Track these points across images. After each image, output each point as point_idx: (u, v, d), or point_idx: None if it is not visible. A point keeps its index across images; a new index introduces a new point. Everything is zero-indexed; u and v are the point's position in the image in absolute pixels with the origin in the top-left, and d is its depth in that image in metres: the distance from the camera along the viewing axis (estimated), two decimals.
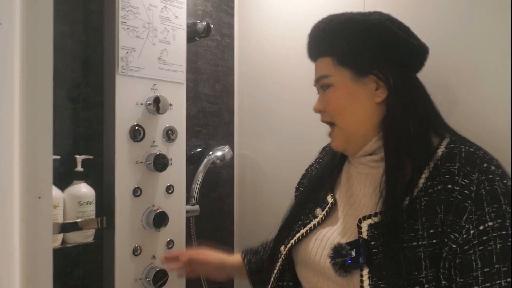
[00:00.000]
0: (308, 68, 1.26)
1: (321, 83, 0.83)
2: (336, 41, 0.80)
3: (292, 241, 0.83)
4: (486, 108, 0.89)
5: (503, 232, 0.63)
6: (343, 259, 0.71)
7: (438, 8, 0.97)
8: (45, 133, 0.54)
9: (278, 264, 0.86)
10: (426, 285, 0.66)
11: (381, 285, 0.68)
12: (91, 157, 1.07)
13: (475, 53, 0.90)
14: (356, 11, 0.83)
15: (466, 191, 0.67)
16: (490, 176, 0.67)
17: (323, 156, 1.00)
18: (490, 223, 0.64)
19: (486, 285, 0.62)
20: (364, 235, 0.73)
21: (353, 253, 0.71)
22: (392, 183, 0.73)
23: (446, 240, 0.67)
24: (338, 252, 0.72)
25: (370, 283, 0.68)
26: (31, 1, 0.51)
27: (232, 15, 1.49)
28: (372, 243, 0.71)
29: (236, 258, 1.06)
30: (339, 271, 0.71)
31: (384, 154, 0.78)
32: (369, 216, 0.74)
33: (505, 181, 0.68)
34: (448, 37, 0.94)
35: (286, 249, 0.84)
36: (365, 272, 0.69)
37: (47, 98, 0.54)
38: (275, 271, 0.86)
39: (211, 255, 1.06)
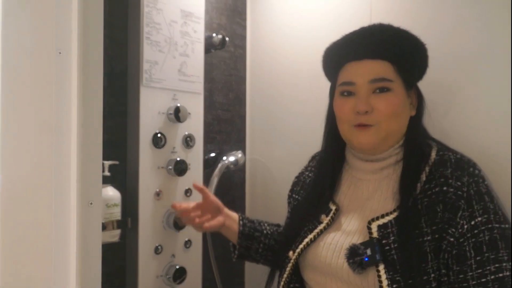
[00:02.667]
0: (314, 78, 1.34)
1: (380, 85, 0.84)
2: (403, 50, 0.86)
3: (301, 246, 0.90)
4: (478, 118, 0.99)
5: (489, 226, 0.75)
6: (360, 258, 0.79)
7: (437, 10, 1.05)
8: (96, 145, 0.62)
9: (288, 269, 0.92)
10: (432, 275, 0.76)
11: (397, 278, 0.76)
12: (117, 162, 1.15)
13: (472, 56, 1.00)
14: None
15: (459, 192, 0.78)
16: (476, 178, 0.79)
17: (315, 165, 1.06)
18: (479, 218, 0.75)
19: (478, 271, 0.73)
20: (375, 235, 0.81)
21: (368, 251, 0.79)
22: (409, 188, 0.83)
23: (444, 234, 0.77)
24: (354, 252, 0.80)
25: (387, 277, 0.77)
26: (85, 33, 0.59)
27: (245, 27, 1.57)
28: (384, 241, 0.80)
29: (234, 214, 1.10)
30: (357, 269, 0.79)
31: (403, 161, 0.87)
32: (377, 218, 0.83)
33: (486, 183, 0.80)
34: (445, 40, 1.03)
35: (296, 254, 0.91)
36: (381, 268, 0.78)
37: (98, 115, 0.62)
38: (285, 275, 0.92)
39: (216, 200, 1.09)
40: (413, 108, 0.89)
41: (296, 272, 0.94)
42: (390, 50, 0.85)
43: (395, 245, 0.79)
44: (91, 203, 0.61)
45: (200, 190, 1.09)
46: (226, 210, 1.10)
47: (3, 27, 0.54)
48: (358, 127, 0.86)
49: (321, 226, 0.90)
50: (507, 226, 0.77)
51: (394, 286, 0.76)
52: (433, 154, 0.85)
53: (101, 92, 0.62)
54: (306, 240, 0.90)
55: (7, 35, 0.54)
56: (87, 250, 0.61)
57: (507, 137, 0.94)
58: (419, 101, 0.90)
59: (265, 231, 1.10)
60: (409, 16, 1.10)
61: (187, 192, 1.26)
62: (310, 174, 1.04)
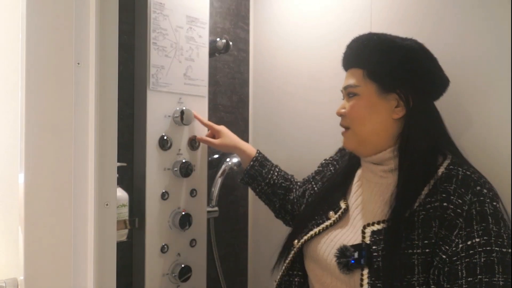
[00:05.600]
0: (317, 81, 1.38)
1: (348, 91, 0.92)
2: (369, 56, 0.90)
3: (306, 237, 0.94)
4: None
5: (488, 248, 0.72)
6: (347, 259, 0.82)
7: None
8: (111, 150, 0.66)
9: (291, 256, 0.97)
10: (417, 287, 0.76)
11: (378, 285, 0.78)
12: (125, 164, 1.19)
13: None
14: (395, 35, 0.92)
15: (458, 210, 0.76)
16: (481, 198, 0.76)
17: (339, 160, 1.10)
18: (477, 239, 0.73)
19: None
20: (367, 240, 0.83)
21: (356, 255, 0.81)
22: (402, 196, 0.83)
23: (437, 250, 0.76)
24: (343, 253, 0.83)
25: (369, 282, 0.79)
26: (102, 44, 0.63)
27: (248, 32, 1.61)
28: (373, 247, 0.81)
29: (250, 150, 1.26)
30: (343, 269, 0.82)
31: (398, 167, 0.87)
32: (373, 223, 0.85)
33: (494, 203, 0.76)
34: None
35: (299, 244, 0.95)
36: (365, 272, 0.80)
37: (113, 121, 0.66)
38: (287, 261, 0.97)
39: (225, 134, 1.27)
40: (400, 110, 0.87)
41: (300, 262, 0.98)
42: (359, 57, 0.92)
43: (383, 253, 0.80)
44: (107, 204, 0.65)
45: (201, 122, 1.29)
46: (246, 148, 1.25)
47: (27, 41, 0.57)
48: (343, 131, 0.96)
49: (327, 222, 0.93)
50: (510, 251, 0.73)
51: None
52: (443, 168, 0.83)
53: (116, 100, 0.66)
54: (311, 232, 0.94)
55: (31, 49, 0.58)
56: (103, 247, 0.65)
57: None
58: (413, 104, 0.87)
59: (267, 180, 1.20)
60: (408, 20, 1.13)
61: (192, 192, 1.29)
62: (332, 168, 1.08)
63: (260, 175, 1.20)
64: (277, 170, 1.23)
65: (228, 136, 1.26)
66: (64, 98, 0.60)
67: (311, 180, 1.14)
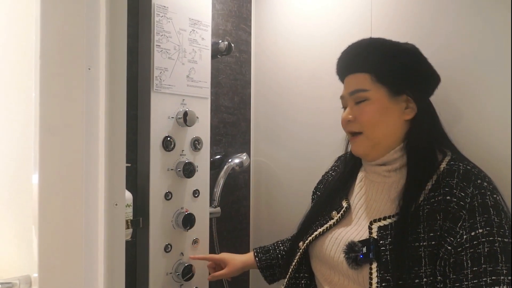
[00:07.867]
0: (317, 81, 1.40)
1: (356, 96, 0.92)
2: (378, 60, 0.91)
3: (310, 238, 0.97)
4: (486, 123, 0.99)
5: (491, 238, 0.76)
6: (356, 254, 0.84)
7: (442, 24, 1.07)
8: (120, 152, 0.68)
9: (296, 257, 0.99)
10: (424, 279, 0.79)
11: (387, 277, 0.81)
12: (129, 164, 1.21)
13: (478, 68, 1.00)
14: (390, 39, 0.94)
15: (462, 202, 0.79)
16: (483, 191, 0.80)
17: (339, 165, 1.12)
18: (480, 230, 0.76)
19: (474, 281, 0.74)
20: (374, 235, 0.86)
21: (364, 249, 0.84)
22: (409, 192, 0.85)
23: (443, 242, 0.79)
24: (351, 249, 0.86)
25: (378, 275, 0.81)
26: (111, 50, 0.65)
27: (250, 33, 1.63)
28: (381, 242, 0.84)
29: (249, 256, 1.22)
30: (352, 264, 0.84)
31: (407, 165, 0.90)
32: (379, 219, 0.87)
33: (494, 196, 0.80)
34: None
35: (304, 245, 0.98)
36: (374, 266, 0.82)
37: (122, 124, 0.68)
38: (293, 263, 1.00)
39: (231, 261, 1.22)
40: (411, 111, 0.90)
41: (307, 263, 1.00)
42: (366, 62, 0.92)
43: (391, 247, 0.83)
44: (116, 204, 0.67)
45: (201, 259, 1.28)
46: (244, 260, 1.22)
47: (41, 47, 0.60)
48: (351, 137, 0.95)
49: (330, 222, 0.96)
50: (511, 241, 0.76)
51: (384, 284, 0.80)
52: (444, 164, 0.87)
53: (124, 104, 0.68)
54: (316, 233, 0.96)
55: (45, 55, 0.60)
56: (113, 245, 0.67)
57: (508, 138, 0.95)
58: (418, 105, 0.90)
59: (280, 256, 1.18)
60: (410, 23, 1.15)
61: (195, 193, 1.31)
62: (333, 173, 1.11)
63: (271, 259, 1.18)
64: (281, 242, 1.22)
65: (233, 259, 1.23)
66: (76, 101, 0.63)
67: (315, 190, 1.16)
